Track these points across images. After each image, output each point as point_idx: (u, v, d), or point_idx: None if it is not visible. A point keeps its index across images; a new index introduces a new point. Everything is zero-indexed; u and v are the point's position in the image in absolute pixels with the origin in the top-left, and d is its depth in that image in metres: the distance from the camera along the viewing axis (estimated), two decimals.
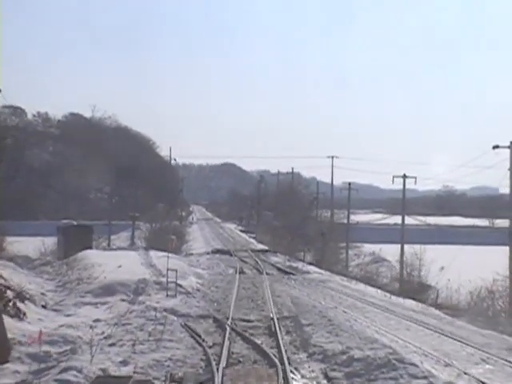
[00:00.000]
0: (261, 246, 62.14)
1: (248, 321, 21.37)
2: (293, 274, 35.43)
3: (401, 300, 28.41)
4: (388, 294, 29.82)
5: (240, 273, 35.04)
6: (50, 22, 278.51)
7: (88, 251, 36.29)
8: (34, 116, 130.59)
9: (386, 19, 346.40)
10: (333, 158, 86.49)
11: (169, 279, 25.63)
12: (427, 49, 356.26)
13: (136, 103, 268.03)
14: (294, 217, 79.95)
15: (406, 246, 75.61)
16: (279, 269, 38.59)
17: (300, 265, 42.58)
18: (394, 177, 55.27)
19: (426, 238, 71.39)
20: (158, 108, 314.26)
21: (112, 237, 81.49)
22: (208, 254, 48.89)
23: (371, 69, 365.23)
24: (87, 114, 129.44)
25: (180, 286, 25.96)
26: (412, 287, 51.91)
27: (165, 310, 22.01)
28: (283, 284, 30.84)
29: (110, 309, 22.85)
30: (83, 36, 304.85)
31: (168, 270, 25.67)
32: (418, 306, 26.86)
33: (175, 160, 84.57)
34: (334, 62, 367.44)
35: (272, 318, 21.18)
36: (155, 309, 22.22)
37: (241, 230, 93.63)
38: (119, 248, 44.77)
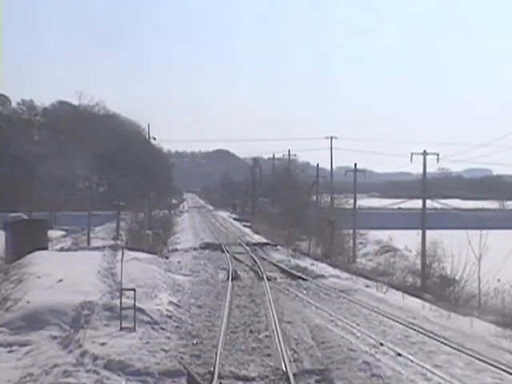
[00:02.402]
0: (257, 237, 52.87)
1: (245, 379, 12.30)
2: (302, 279, 26.20)
3: (464, 320, 19.20)
4: (442, 310, 20.61)
5: (233, 279, 25.89)
6: (34, 8, 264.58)
7: (38, 253, 27.09)
8: (19, 104, 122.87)
9: None
10: (332, 138, 77.53)
11: (127, 301, 16.49)
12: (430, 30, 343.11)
13: (124, 90, 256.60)
14: (292, 203, 71.12)
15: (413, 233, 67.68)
16: (284, 270, 29.29)
17: (308, 263, 33.34)
18: (412, 154, 45.94)
19: (440, 223, 62.68)
20: (148, 95, 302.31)
21: (97, 228, 73.61)
22: (195, 249, 39.51)
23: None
24: (75, 102, 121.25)
25: (142, 311, 16.77)
26: (434, 282, 43.37)
27: (108, 362, 12.90)
28: (293, 297, 21.62)
29: (26, 357, 13.81)
30: (68, 22, 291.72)
31: (122, 289, 16.50)
32: (496, 331, 17.69)
33: (154, 139, 76.00)
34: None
35: (285, 374, 12.18)
36: (95, 359, 13.15)
37: (234, 219, 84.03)
38: (81, 247, 35.39)
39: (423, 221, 45.17)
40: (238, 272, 27.78)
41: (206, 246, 40.57)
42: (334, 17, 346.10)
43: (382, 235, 67.25)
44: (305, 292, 22.92)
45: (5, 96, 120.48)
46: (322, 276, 27.00)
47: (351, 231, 59.66)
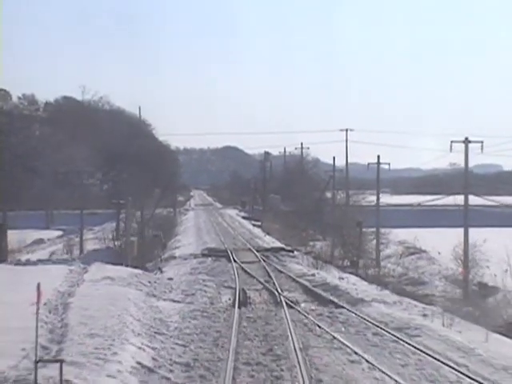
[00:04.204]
0: (269, 239, 45.40)
1: None
2: (336, 306, 18.72)
3: None
4: None
5: (241, 304, 18.56)
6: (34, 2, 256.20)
7: None
8: (20, 98, 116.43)
9: None
10: (347, 130, 69.97)
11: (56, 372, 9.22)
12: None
13: (131, 85, 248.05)
14: (305, 200, 64.12)
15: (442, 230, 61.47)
16: (308, 290, 21.73)
17: (336, 275, 25.95)
18: (451, 142, 38.31)
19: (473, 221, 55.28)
20: (155, 90, 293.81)
21: (97, 228, 67.65)
22: (196, 257, 32.05)
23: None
24: (79, 97, 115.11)
25: None
26: (472, 290, 36.34)
27: None
28: (329, 342, 14.14)
29: None
30: (70, 16, 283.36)
31: (38, 362, 9.21)
32: None
33: (145, 123, 69.17)
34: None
35: None
36: None
37: (243, 217, 76.57)
38: (41, 260, 27.85)
39: (465, 219, 37.76)
40: (248, 293, 20.45)
41: (208, 253, 33.02)
42: (347, 6, 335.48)
43: (404, 234, 60.25)
44: (343, 330, 15.51)
45: (5, 90, 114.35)
46: (362, 301, 19.38)
47: (370, 230, 52.82)
